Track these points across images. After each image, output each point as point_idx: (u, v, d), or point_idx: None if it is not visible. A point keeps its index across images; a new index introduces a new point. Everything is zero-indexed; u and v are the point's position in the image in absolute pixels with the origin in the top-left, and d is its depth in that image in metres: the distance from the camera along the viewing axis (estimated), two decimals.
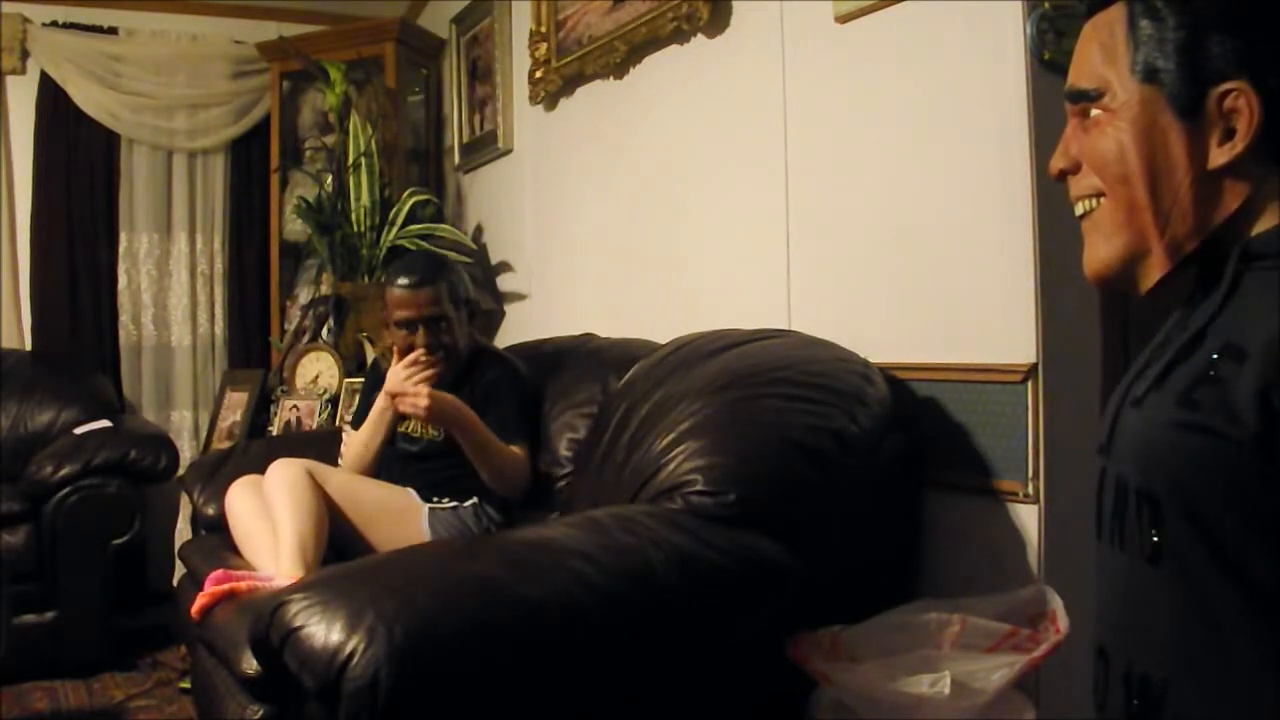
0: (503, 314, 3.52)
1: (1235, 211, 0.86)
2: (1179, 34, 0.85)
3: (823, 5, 2.05)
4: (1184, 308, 0.91)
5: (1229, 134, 0.84)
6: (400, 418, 2.38)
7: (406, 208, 3.47)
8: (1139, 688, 0.84)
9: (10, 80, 3.92)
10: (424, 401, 2.18)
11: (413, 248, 3.33)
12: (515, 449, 2.30)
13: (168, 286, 4.10)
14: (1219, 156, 0.84)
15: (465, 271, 2.74)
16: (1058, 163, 0.94)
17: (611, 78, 2.82)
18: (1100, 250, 0.91)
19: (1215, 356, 0.79)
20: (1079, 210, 0.94)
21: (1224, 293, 0.83)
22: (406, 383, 2.27)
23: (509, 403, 2.37)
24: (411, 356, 2.32)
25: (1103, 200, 0.91)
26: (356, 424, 2.49)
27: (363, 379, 2.89)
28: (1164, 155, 0.86)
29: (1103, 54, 0.90)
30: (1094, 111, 0.90)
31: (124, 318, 4.04)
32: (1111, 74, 0.89)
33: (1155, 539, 0.82)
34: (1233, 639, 0.77)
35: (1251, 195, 0.85)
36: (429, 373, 2.30)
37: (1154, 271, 0.89)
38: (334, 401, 3.35)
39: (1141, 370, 0.91)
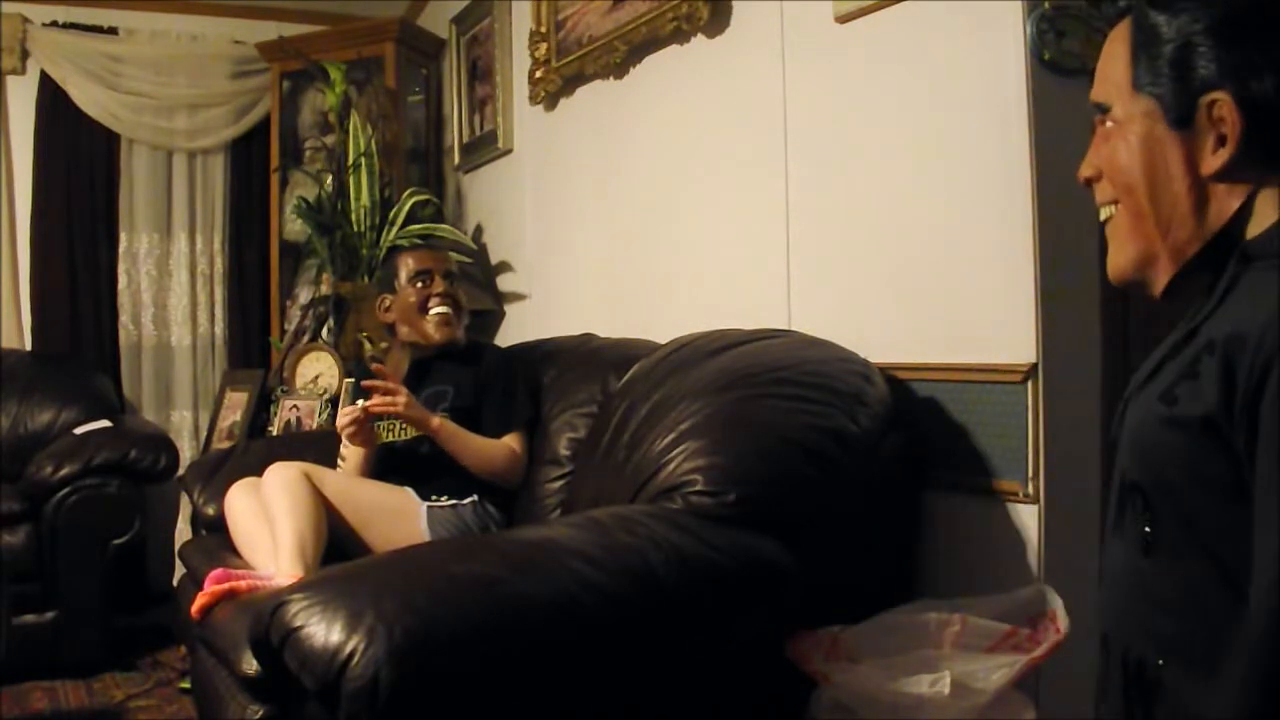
0: (503, 314, 3.52)
1: (1234, 215, 0.89)
2: (1169, 48, 0.89)
3: (823, 5, 2.05)
4: (1192, 310, 0.95)
5: (1221, 141, 0.88)
6: (378, 422, 2.37)
7: (406, 208, 3.46)
8: (1135, 671, 0.89)
9: (10, 80, 3.92)
10: (401, 398, 2.23)
11: None
12: (508, 439, 2.34)
13: (168, 286, 4.10)
14: (1212, 163, 0.88)
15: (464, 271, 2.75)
16: (1085, 170, 0.99)
17: (611, 78, 2.82)
18: (1117, 257, 0.96)
19: (1197, 353, 0.84)
20: (1103, 215, 0.98)
21: (1220, 293, 0.87)
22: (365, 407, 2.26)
23: (506, 390, 2.41)
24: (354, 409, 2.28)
25: (1119, 207, 0.95)
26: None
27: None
28: (1162, 164, 0.91)
29: (1113, 67, 0.95)
30: (1108, 123, 0.95)
31: (124, 318, 4.04)
32: (1117, 89, 0.94)
33: (1147, 530, 0.86)
34: (1220, 624, 0.81)
35: (1248, 199, 0.89)
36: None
37: (1162, 276, 0.93)
38: (334, 401, 3.35)
39: (1152, 370, 0.95)
